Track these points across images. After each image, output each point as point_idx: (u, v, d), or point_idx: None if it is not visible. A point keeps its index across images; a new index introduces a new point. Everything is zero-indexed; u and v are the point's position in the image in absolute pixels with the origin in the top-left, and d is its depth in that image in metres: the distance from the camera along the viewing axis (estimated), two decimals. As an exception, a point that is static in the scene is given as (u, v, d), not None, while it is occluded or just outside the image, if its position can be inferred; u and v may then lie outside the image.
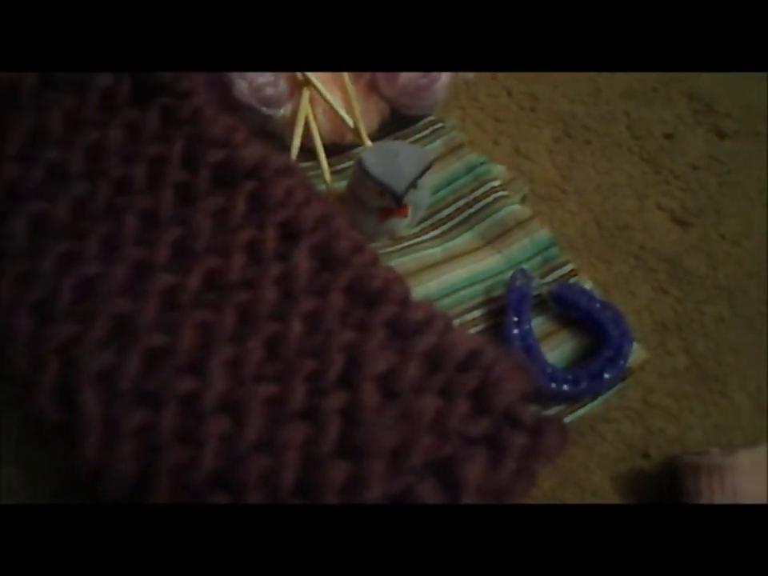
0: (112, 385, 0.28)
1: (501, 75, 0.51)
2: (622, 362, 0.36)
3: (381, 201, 0.38)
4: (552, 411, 0.36)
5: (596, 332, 0.38)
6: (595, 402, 0.37)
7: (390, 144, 0.40)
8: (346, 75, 0.42)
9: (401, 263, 0.39)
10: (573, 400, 0.36)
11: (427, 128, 0.44)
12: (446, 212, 0.42)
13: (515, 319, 0.37)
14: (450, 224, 0.42)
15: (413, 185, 0.38)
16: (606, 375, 0.36)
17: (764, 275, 0.45)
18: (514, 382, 0.30)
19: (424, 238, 0.41)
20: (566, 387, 0.36)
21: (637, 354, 0.38)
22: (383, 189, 0.37)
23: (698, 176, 0.49)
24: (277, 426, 0.28)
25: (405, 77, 0.41)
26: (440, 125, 0.45)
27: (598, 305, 0.38)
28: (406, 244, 0.41)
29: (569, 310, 0.39)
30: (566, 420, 0.36)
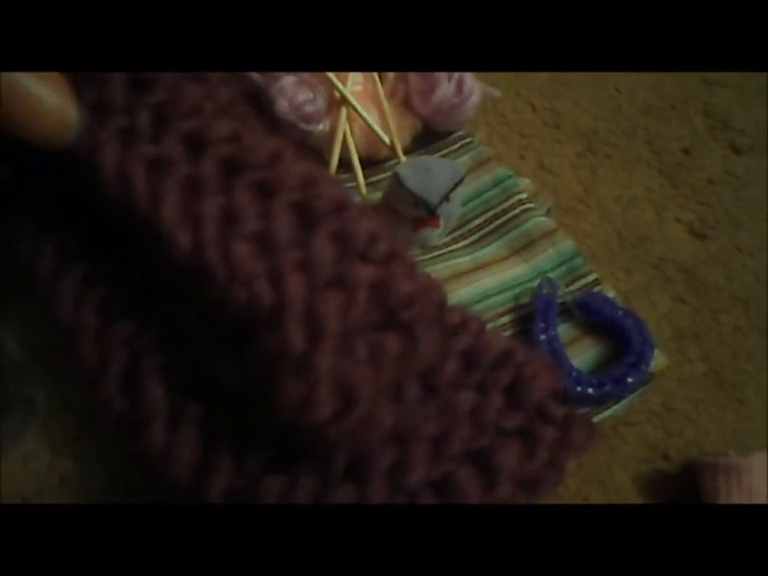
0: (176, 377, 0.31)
1: (525, 92, 0.53)
2: (644, 368, 0.38)
3: (415, 212, 0.40)
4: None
5: (619, 338, 0.40)
6: (618, 405, 0.38)
7: (424, 159, 0.42)
8: (381, 92, 0.44)
9: (433, 271, 0.41)
10: (597, 403, 0.38)
11: (456, 143, 0.47)
12: (475, 223, 0.44)
13: (542, 325, 0.39)
14: (479, 234, 0.44)
15: (446, 197, 0.40)
16: (629, 380, 0.38)
17: (777, 286, 0.47)
18: (545, 380, 0.32)
19: (454, 247, 0.44)
20: (590, 390, 0.38)
21: (658, 360, 0.40)
22: (418, 200, 0.39)
23: (715, 190, 0.51)
24: None
25: (439, 96, 0.43)
26: (468, 140, 0.47)
27: (620, 312, 0.40)
28: (437, 253, 0.43)
29: (593, 317, 0.41)
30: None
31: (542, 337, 0.39)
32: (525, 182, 0.45)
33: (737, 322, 0.46)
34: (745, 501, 0.35)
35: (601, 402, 0.38)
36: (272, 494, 0.28)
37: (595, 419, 0.38)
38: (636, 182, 0.50)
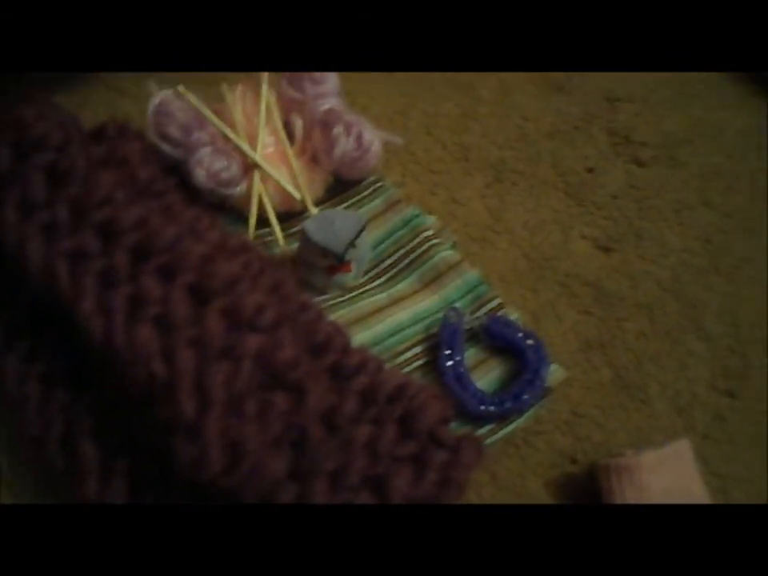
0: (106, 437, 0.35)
1: (435, 130, 0.57)
2: (539, 383, 0.42)
3: (325, 261, 0.44)
4: (484, 429, 0.42)
5: (518, 358, 0.44)
6: (520, 420, 0.42)
7: (328, 212, 0.46)
8: (290, 153, 0.48)
9: (351, 310, 0.46)
10: (500, 419, 0.42)
11: (368, 188, 0.51)
12: (388, 261, 0.48)
13: (448, 352, 0.43)
14: (392, 272, 0.48)
15: (351, 245, 0.44)
16: (525, 396, 0.41)
17: (680, 290, 0.51)
18: (434, 409, 0.36)
19: (371, 286, 0.48)
20: (492, 408, 0.41)
21: (556, 374, 0.44)
22: (326, 251, 0.44)
23: (619, 204, 0.55)
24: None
25: (339, 152, 0.47)
26: (380, 184, 0.51)
27: (520, 334, 0.44)
28: (355, 293, 0.47)
29: (496, 340, 0.45)
30: (497, 436, 0.42)
31: (448, 363, 0.43)
32: (431, 219, 0.49)
33: (641, 328, 0.49)
34: (636, 496, 0.39)
35: (504, 417, 0.42)
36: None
37: (501, 433, 0.42)
38: (543, 205, 0.54)
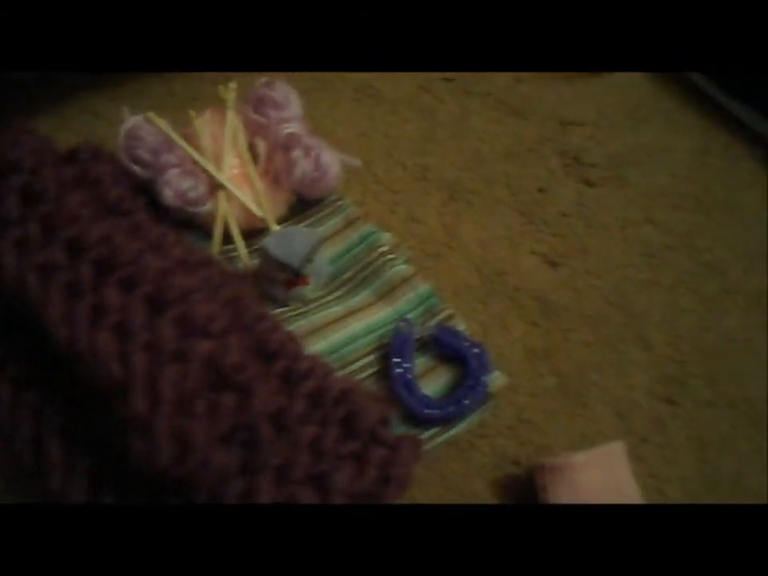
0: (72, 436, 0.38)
1: (396, 152, 0.61)
2: (480, 389, 0.45)
3: (284, 275, 0.48)
4: (430, 432, 0.45)
5: (463, 366, 0.47)
6: (462, 424, 0.45)
7: (287, 229, 0.50)
8: (254, 173, 0.52)
9: (309, 321, 0.49)
10: (444, 422, 0.45)
11: (328, 207, 0.54)
12: (346, 275, 0.52)
13: (397, 360, 0.46)
14: (349, 285, 0.51)
15: (307, 260, 0.47)
16: (467, 401, 0.44)
17: (623, 302, 0.54)
18: (375, 410, 0.39)
19: (329, 298, 0.51)
20: (436, 412, 0.44)
21: (497, 381, 0.47)
22: (283, 265, 0.47)
23: (568, 222, 0.58)
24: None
25: (299, 173, 0.51)
26: (340, 203, 0.54)
27: (466, 344, 0.47)
28: (314, 305, 0.50)
29: (444, 349, 0.48)
30: (442, 438, 0.45)
31: (398, 370, 0.46)
32: (386, 236, 0.53)
33: (585, 338, 0.52)
34: (568, 492, 0.42)
35: (447, 421, 0.45)
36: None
37: (445, 436, 0.45)
38: (495, 223, 0.57)
